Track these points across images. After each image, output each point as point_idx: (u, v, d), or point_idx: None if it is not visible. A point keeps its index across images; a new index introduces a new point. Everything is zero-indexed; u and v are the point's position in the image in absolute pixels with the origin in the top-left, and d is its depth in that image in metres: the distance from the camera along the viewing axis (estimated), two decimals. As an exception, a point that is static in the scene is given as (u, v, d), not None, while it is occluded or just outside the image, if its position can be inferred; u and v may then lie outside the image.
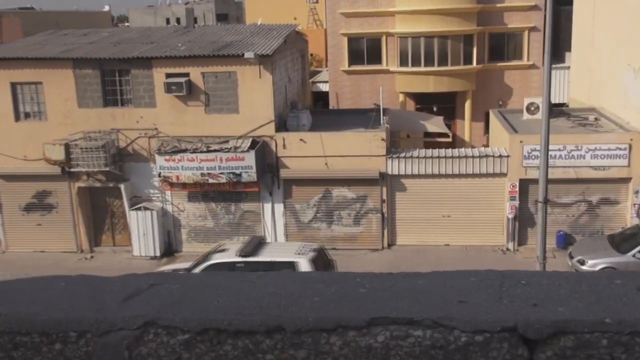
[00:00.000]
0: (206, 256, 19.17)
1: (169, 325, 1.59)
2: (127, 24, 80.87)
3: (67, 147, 23.55)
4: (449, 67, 31.52)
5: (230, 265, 17.69)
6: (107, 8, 54.26)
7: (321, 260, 18.23)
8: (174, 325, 1.59)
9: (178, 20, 73.73)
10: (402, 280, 1.77)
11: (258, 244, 18.91)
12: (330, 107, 33.56)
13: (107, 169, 23.47)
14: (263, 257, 17.91)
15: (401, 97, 32.76)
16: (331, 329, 1.55)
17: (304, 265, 17.24)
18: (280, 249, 19.09)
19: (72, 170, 23.86)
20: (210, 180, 23.20)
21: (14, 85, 24.21)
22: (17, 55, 24.15)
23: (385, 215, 24.01)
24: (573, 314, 1.54)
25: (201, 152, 23.17)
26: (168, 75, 23.47)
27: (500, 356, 1.51)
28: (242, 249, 18.37)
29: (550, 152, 17.62)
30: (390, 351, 1.53)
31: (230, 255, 18.44)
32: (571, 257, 21.10)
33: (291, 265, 17.22)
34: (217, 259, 18.41)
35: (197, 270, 17.72)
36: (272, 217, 24.39)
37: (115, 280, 1.86)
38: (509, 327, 1.53)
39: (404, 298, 1.66)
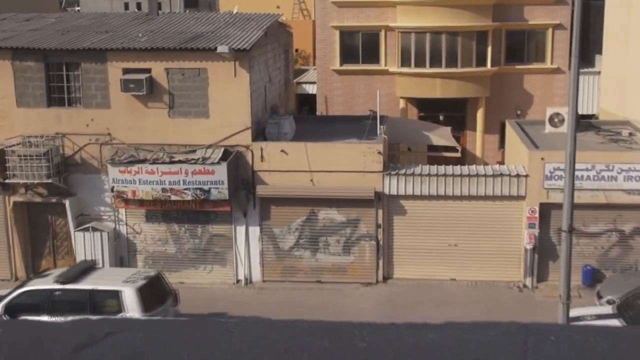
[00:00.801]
0: (24, 282, 19.90)
1: (129, 384, 1.57)
2: (77, 8, 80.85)
3: (2, 153, 23.41)
4: (458, 69, 31.73)
5: (46, 293, 18.53)
6: (54, -11, 54.17)
7: (154, 289, 19.18)
8: (134, 384, 1.57)
9: (139, 6, 73.89)
10: (407, 333, 1.76)
11: (85, 269, 19.65)
12: (318, 112, 33.64)
13: (50, 180, 23.33)
14: (84, 284, 18.66)
15: (402, 103, 32.92)
16: (323, 392, 1.54)
17: (129, 295, 18.18)
18: (108, 275, 19.86)
19: (7, 181, 23.70)
20: (173, 197, 23.12)
21: (-60, 79, 24.09)
22: (-55, 43, 24.04)
23: (381, 242, 24.01)
24: (612, 379, 1.54)
25: (163, 163, 23.10)
26: (125, 71, 23.45)
27: None
28: (62, 275, 19.12)
29: (576, 172, 17.72)
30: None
31: (47, 281, 19.11)
32: (599, 297, 21.17)
33: (115, 294, 18.25)
34: (32, 285, 19.14)
35: (8, 298, 18.46)
36: (246, 242, 24.32)
37: (63, 326, 1.83)
38: (535, 394, 1.52)
39: (411, 355, 1.65)
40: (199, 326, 1.81)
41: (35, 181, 23.50)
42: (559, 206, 20.86)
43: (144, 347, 1.69)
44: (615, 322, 17.61)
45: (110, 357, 1.65)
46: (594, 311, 19.10)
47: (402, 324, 1.83)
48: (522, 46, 32.82)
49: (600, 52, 32.16)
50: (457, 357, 1.64)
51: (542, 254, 23.65)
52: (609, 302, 20.65)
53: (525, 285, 23.67)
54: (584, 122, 27.69)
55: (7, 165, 23.35)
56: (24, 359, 1.66)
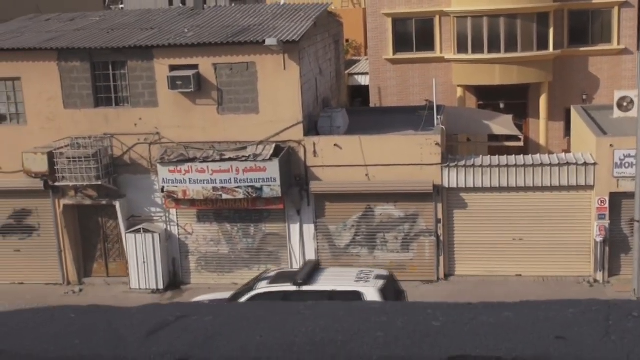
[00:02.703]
0: None
1: (203, 365, 1.63)
2: (121, 6, 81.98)
3: (51, 156, 23.88)
4: (518, 54, 31.33)
5: None
6: (97, -13, 55.10)
7: None
8: (209, 365, 1.62)
9: (183, 1, 74.54)
10: (483, 312, 1.78)
11: None
12: (371, 104, 33.59)
13: (99, 182, 23.75)
14: None
15: (459, 92, 32.65)
16: (400, 371, 1.57)
17: None
18: None
19: (56, 184, 24.20)
20: (225, 196, 23.34)
21: (-13, 82, 24.74)
22: (-9, 46, 24.67)
23: (442, 238, 23.88)
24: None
25: (213, 161, 23.34)
26: (172, 68, 23.74)
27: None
28: None
29: (649, 159, 17.39)
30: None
31: None
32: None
33: None
34: None
35: None
36: (300, 241, 24.42)
37: (134, 312, 1.90)
38: (620, 369, 1.53)
39: (488, 333, 1.67)
40: (269, 308, 1.86)
41: (85, 183, 23.93)
42: (630, 195, 20.56)
43: (216, 329, 1.74)
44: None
45: (183, 339, 1.71)
46: (214, 296, 20.48)
47: (477, 303, 1.85)
48: (586, 27, 32.24)
49: (671, 31, 31.39)
50: (537, 334, 1.66)
51: (614, 247, 23.24)
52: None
53: (596, 280, 23.30)
54: (656, 106, 27.10)
55: (56, 168, 23.81)
56: (99, 344, 1.73)
